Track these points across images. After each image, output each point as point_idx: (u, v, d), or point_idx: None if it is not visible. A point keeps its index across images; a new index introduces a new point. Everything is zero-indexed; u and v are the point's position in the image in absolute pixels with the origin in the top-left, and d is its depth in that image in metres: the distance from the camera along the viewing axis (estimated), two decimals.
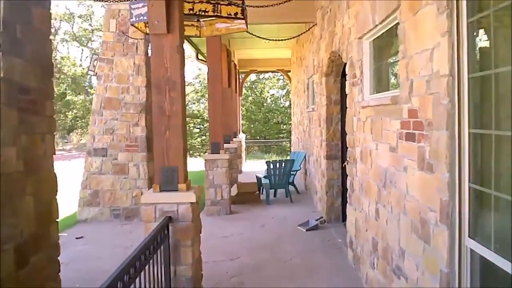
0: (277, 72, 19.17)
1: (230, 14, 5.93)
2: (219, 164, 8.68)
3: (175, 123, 4.15)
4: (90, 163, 8.54)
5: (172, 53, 4.10)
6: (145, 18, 6.10)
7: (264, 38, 8.07)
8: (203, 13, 5.81)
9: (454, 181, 2.58)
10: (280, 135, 32.60)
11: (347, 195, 5.75)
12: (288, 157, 12.38)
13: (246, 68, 17.55)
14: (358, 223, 5.10)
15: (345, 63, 5.89)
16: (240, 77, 17.73)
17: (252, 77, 34.77)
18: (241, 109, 33.62)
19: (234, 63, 14.58)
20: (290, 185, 10.67)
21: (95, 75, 8.61)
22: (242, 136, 17.61)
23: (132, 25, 6.47)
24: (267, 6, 6.07)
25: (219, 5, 5.78)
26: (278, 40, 8.26)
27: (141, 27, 6.53)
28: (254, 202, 9.81)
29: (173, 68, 4.11)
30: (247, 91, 34.90)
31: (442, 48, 2.64)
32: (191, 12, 5.73)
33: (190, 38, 10.62)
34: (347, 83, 5.65)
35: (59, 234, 3.23)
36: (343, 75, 7.46)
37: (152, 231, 3.31)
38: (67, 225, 8.34)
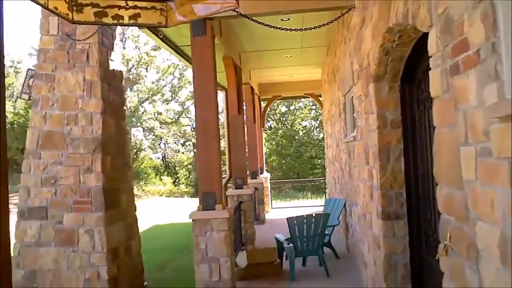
0: (306, 97, 16.20)
1: None
2: (215, 226, 5.69)
3: None
4: (23, 230, 5.74)
5: None
6: None
7: (277, 28, 5.19)
8: None
9: None
10: (315, 171, 29.36)
11: None
12: (323, 203, 9.26)
13: (268, 94, 14.68)
14: None
15: (421, 37, 2.91)
16: (260, 105, 14.87)
17: (282, 108, 31.99)
18: (270, 143, 30.73)
19: (251, 87, 11.77)
20: (325, 247, 7.55)
21: (30, 99, 5.90)
22: (266, 176, 14.57)
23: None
24: None
25: None
26: (299, 30, 5.34)
27: (59, 9, 3.81)
28: (273, 276, 6.72)
29: None
30: (277, 124, 32.07)
31: None
32: None
33: (178, 46, 7.82)
34: (434, 74, 2.62)
35: None
36: (405, 77, 4.46)
37: None
38: None
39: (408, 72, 4.41)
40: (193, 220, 5.70)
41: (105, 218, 5.61)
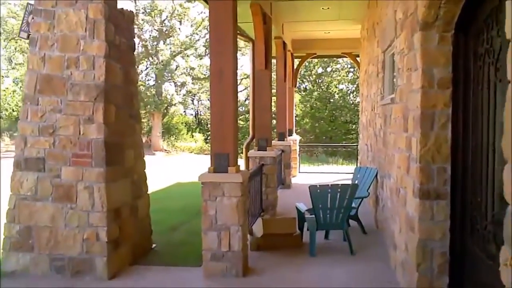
0: (343, 56, 15.09)
1: None
2: (226, 191, 5.06)
3: None
4: (19, 181, 5.26)
5: None
6: None
7: None
8: None
9: None
10: (349, 136, 28.37)
11: None
12: (353, 172, 8.52)
13: (302, 51, 13.72)
14: None
15: None
16: (293, 62, 13.95)
17: (319, 70, 30.76)
18: (304, 105, 29.71)
19: (284, 42, 10.89)
20: (352, 220, 6.87)
21: (28, 38, 5.30)
22: (295, 138, 13.84)
23: None
24: None
25: None
26: None
27: None
28: (291, 248, 6.11)
29: None
30: (312, 85, 30.94)
31: None
32: None
33: None
34: None
35: None
36: (460, 26, 3.59)
37: None
38: None
39: (464, 19, 3.54)
40: (202, 183, 5.09)
41: (106, 174, 5.05)
